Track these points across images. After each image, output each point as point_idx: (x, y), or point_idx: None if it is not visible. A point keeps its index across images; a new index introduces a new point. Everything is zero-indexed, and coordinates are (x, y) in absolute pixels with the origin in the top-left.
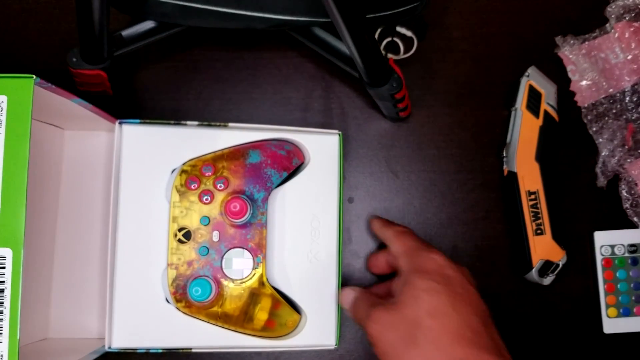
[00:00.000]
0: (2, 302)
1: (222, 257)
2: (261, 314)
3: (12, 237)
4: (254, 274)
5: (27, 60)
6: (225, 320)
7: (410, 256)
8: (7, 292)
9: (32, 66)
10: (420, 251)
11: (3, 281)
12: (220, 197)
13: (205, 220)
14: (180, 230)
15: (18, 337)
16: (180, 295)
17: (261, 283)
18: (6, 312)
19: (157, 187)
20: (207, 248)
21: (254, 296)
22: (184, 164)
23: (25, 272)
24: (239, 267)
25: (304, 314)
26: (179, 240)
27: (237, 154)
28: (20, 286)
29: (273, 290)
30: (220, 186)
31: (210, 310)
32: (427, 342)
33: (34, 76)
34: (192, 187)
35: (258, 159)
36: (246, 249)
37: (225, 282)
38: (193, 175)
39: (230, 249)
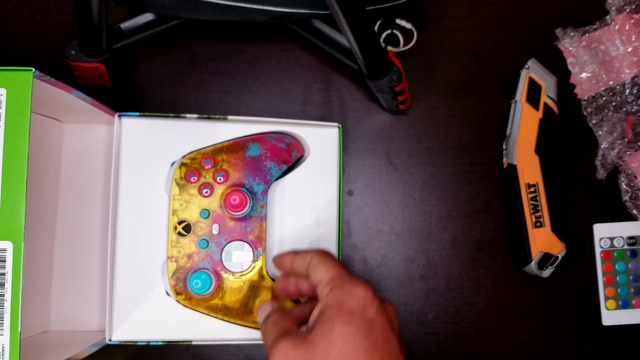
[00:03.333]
0: (3, 295)
1: (222, 250)
2: None
3: (12, 230)
4: (254, 266)
5: (26, 53)
6: (225, 312)
7: (334, 286)
8: (8, 285)
9: (31, 59)
10: (345, 282)
11: (4, 274)
12: (219, 190)
13: (205, 213)
14: (180, 223)
15: (19, 330)
16: (180, 288)
17: (261, 276)
18: (7, 304)
19: (156, 180)
20: (207, 241)
21: (253, 289)
22: (183, 156)
23: (25, 265)
24: (239, 259)
25: None
26: (179, 233)
27: (236, 146)
28: (21, 279)
29: (273, 282)
30: (220, 179)
31: (210, 302)
32: None
33: (33, 69)
34: (192, 180)
35: (258, 152)
36: (246, 242)
37: (225, 275)
38: (193, 168)
39: (230, 241)
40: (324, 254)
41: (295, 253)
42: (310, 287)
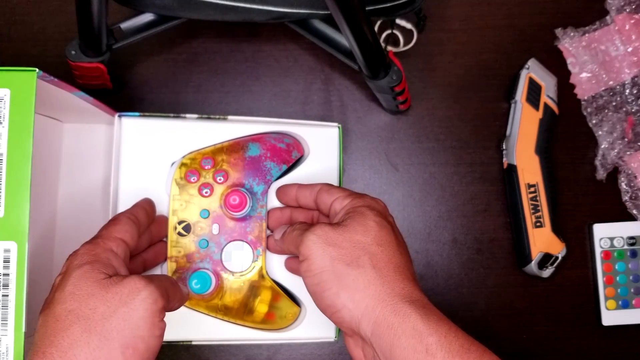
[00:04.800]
0: (8, 296)
1: (221, 250)
2: (261, 307)
3: (16, 230)
4: (254, 266)
5: (26, 53)
6: (225, 312)
7: (354, 197)
8: (12, 286)
9: (31, 59)
10: (362, 195)
11: (8, 275)
12: (219, 190)
13: (205, 213)
14: (180, 223)
15: (24, 330)
16: None
17: (261, 276)
18: (12, 305)
19: (156, 180)
20: (207, 241)
21: (253, 289)
22: (183, 157)
23: (29, 265)
24: (239, 260)
25: (303, 307)
26: (179, 233)
27: (236, 147)
28: (25, 279)
29: (273, 282)
30: (220, 179)
31: (210, 302)
32: (371, 267)
33: (37, 70)
34: (192, 180)
35: (257, 152)
36: (246, 242)
37: (225, 275)
38: (192, 168)
39: (230, 242)
40: (330, 183)
41: (300, 185)
42: (307, 215)
